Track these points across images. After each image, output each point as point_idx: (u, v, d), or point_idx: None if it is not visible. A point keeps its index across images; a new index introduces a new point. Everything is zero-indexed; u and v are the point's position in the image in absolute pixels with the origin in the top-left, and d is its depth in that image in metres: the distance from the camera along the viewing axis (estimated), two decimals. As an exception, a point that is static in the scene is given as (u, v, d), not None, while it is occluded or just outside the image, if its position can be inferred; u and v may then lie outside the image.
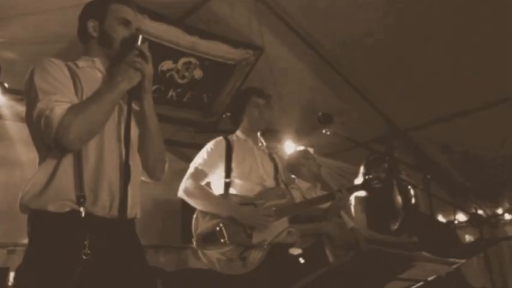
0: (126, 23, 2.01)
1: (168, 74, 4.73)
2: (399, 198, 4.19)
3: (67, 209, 1.77)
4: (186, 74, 4.81)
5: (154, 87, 4.76)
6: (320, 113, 3.16)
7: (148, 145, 2.03)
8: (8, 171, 4.53)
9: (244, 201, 2.93)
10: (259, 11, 4.25)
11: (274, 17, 4.31)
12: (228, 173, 3.01)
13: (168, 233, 6.08)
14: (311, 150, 4.12)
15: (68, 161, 1.81)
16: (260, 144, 3.25)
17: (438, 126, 5.06)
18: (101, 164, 1.85)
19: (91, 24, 2.01)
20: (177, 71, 4.75)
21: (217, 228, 2.81)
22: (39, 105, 1.76)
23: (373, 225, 4.08)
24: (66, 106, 1.76)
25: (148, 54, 1.89)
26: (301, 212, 3.27)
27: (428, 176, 4.06)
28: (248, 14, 4.32)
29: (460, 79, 4.37)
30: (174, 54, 4.56)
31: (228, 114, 3.41)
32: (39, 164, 1.87)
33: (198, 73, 4.84)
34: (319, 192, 3.92)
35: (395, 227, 4.12)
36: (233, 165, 3.01)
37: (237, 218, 2.84)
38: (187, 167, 3.12)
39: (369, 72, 4.66)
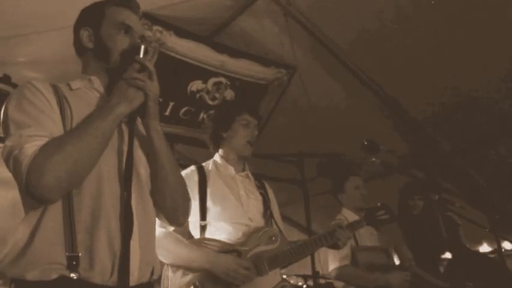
0: (127, 29, 1.65)
1: (198, 95, 4.55)
2: (444, 231, 3.78)
3: (54, 276, 1.35)
4: (217, 95, 4.62)
5: (184, 109, 4.64)
6: (365, 141, 2.76)
7: (163, 183, 1.62)
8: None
9: (225, 249, 2.36)
10: (290, 27, 4.03)
11: (306, 33, 4.07)
12: (203, 214, 2.44)
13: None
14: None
15: (55, 210, 1.40)
16: (244, 171, 2.67)
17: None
18: (98, 213, 1.43)
19: (85, 33, 1.66)
20: (207, 92, 4.56)
21: (192, 287, 2.27)
22: (8, 142, 1.40)
23: (417, 259, 3.68)
24: (41, 142, 1.38)
25: (152, 68, 1.52)
26: (297, 260, 2.59)
27: (497, 216, 3.60)
28: (279, 30, 4.11)
29: None
30: (203, 73, 4.39)
31: (209, 130, 2.74)
32: (25, 214, 1.46)
33: (229, 94, 4.64)
34: (365, 228, 3.56)
35: (441, 261, 3.71)
36: (209, 203, 2.45)
37: (214, 271, 2.26)
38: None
39: (409, 91, 4.31)
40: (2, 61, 3.72)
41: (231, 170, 2.61)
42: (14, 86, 3.66)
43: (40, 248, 1.37)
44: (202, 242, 2.39)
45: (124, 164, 1.47)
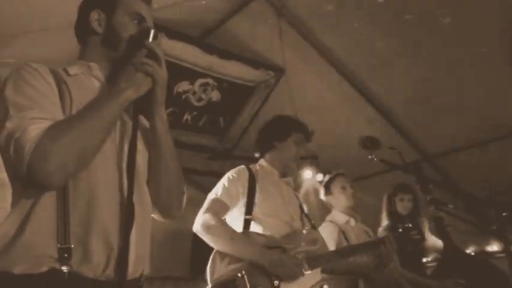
0: (141, 20, 1.56)
1: (184, 96, 4.49)
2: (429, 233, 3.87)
3: (44, 269, 1.26)
4: (203, 96, 4.57)
5: (168, 110, 4.54)
6: (364, 136, 2.74)
7: (161, 175, 1.56)
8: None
9: (271, 244, 2.48)
10: (281, 30, 4.03)
11: (298, 36, 4.09)
12: (249, 208, 2.55)
13: (176, 266, 5.71)
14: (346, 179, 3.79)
15: (47, 199, 1.32)
16: (286, 178, 2.84)
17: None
18: (93, 203, 1.35)
19: (95, 16, 1.55)
20: (194, 93, 4.51)
21: (239, 275, 2.35)
22: (9, 124, 1.29)
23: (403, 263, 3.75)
24: (45, 125, 1.30)
25: (161, 54, 1.46)
26: (339, 261, 2.75)
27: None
28: (270, 32, 4.10)
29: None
30: (190, 74, 4.33)
31: (261, 135, 2.90)
32: (12, 206, 1.36)
33: (215, 95, 4.61)
34: (358, 227, 3.58)
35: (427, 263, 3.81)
36: (256, 199, 2.58)
37: (264, 264, 2.37)
38: (200, 196, 2.67)
39: (396, 95, 4.42)
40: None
41: (276, 175, 2.78)
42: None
43: (30, 239, 1.28)
44: (247, 236, 2.51)
45: (126, 154, 1.42)
